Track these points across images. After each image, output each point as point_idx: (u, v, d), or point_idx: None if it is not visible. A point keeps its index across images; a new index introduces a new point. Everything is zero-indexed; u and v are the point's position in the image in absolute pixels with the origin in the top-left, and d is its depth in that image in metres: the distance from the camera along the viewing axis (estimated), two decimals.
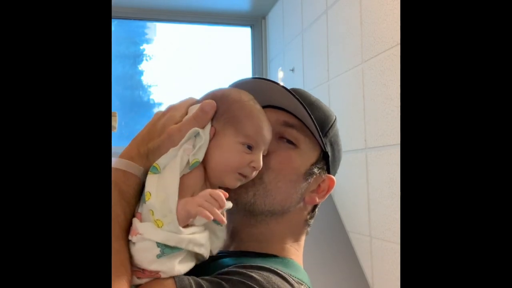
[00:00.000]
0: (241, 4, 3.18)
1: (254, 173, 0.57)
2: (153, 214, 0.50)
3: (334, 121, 0.68)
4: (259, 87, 0.60)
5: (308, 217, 0.67)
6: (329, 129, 0.66)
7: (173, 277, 0.51)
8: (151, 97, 3.34)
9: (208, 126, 0.55)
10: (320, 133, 0.62)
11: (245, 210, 0.62)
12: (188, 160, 0.52)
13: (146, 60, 3.33)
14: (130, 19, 3.21)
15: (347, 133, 2.02)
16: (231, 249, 0.65)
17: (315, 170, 0.64)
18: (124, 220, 0.51)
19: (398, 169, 1.56)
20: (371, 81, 1.81)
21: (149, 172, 0.52)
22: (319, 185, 0.65)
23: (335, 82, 2.17)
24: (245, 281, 0.50)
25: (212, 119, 0.55)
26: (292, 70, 2.75)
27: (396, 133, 1.61)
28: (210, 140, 0.55)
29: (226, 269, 0.53)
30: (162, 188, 0.50)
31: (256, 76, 0.64)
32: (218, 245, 0.58)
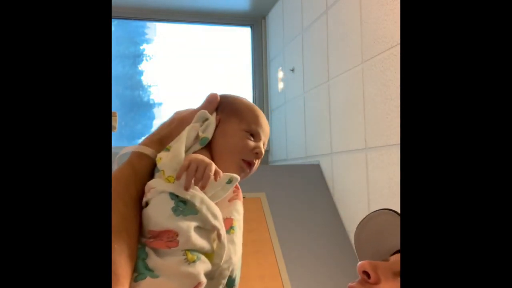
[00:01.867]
0: (241, 4, 3.18)
1: (257, 164, 0.60)
2: (164, 174, 0.54)
3: None
4: (384, 229, 0.61)
5: None
6: None
7: None
8: (151, 97, 3.33)
9: (214, 114, 0.61)
10: None
11: None
12: (198, 135, 0.58)
13: (146, 60, 3.33)
14: (130, 19, 3.21)
15: (347, 133, 2.02)
16: None
17: None
18: (134, 191, 0.56)
19: (398, 169, 1.56)
20: (371, 81, 1.81)
21: (160, 152, 0.58)
22: None
23: (335, 82, 2.17)
24: None
25: (216, 111, 0.62)
26: (292, 70, 2.75)
27: (396, 133, 1.61)
28: (216, 127, 0.60)
29: None
30: (170, 153, 0.56)
31: (389, 210, 0.62)
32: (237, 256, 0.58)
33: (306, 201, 2.12)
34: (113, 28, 3.11)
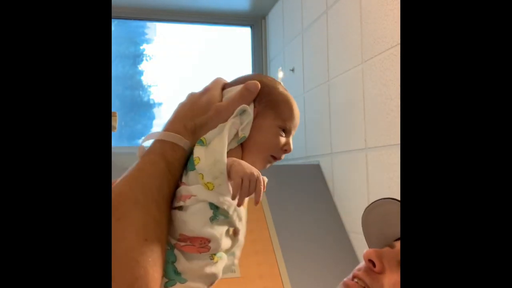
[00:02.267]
0: (241, 4, 3.18)
1: (283, 156, 0.59)
2: (202, 178, 0.51)
3: None
4: (389, 216, 0.62)
5: None
6: None
7: None
8: (151, 97, 3.33)
9: (252, 105, 0.57)
10: None
11: None
12: (237, 132, 0.55)
13: (146, 60, 3.33)
14: (130, 19, 3.21)
15: (347, 133, 2.02)
16: None
17: None
18: (167, 192, 0.52)
19: (398, 169, 1.56)
20: (371, 81, 1.81)
21: (196, 144, 0.54)
22: None
23: (335, 82, 2.17)
24: None
25: (253, 100, 0.58)
26: (292, 70, 2.75)
27: (396, 133, 1.61)
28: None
29: None
30: (210, 153, 0.52)
31: (393, 199, 0.63)
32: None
33: (306, 201, 2.12)
34: (113, 28, 3.11)
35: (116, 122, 1.80)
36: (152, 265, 0.47)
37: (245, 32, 3.38)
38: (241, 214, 0.55)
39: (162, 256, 0.50)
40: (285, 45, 2.91)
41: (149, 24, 3.34)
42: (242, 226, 0.56)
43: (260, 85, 0.58)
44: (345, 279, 0.62)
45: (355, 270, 0.62)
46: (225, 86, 0.61)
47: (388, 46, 1.69)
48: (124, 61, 3.29)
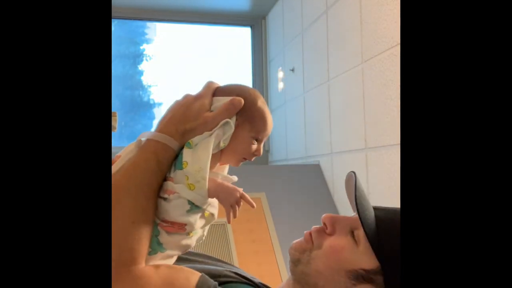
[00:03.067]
0: (241, 4, 3.18)
1: (253, 158, 0.72)
2: (187, 179, 0.63)
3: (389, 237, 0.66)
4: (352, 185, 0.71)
5: None
6: (385, 242, 0.64)
7: (201, 275, 0.61)
8: (151, 97, 3.34)
9: (234, 118, 0.69)
10: (377, 246, 0.63)
11: (290, 271, 0.70)
12: (219, 143, 0.67)
13: (146, 60, 3.33)
14: (130, 19, 3.22)
15: (347, 133, 2.02)
16: None
17: (364, 275, 0.64)
18: (156, 186, 0.63)
19: (398, 169, 1.56)
20: (371, 81, 1.81)
21: (185, 147, 0.66)
22: None
23: (335, 82, 2.17)
24: None
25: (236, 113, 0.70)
26: (292, 70, 2.75)
27: (396, 133, 1.62)
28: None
29: None
30: (196, 160, 0.64)
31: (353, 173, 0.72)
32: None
33: (306, 201, 2.12)
34: (113, 28, 3.11)
35: (116, 122, 1.80)
36: (137, 242, 0.59)
37: (245, 32, 3.38)
38: (215, 204, 0.68)
39: (147, 235, 0.61)
40: (285, 45, 2.91)
41: (149, 24, 3.34)
42: (215, 209, 0.68)
43: (245, 99, 0.69)
44: (306, 231, 0.72)
45: (312, 228, 0.72)
46: (217, 90, 0.71)
47: (388, 46, 1.69)
48: (124, 61, 3.29)
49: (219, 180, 0.68)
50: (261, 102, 0.72)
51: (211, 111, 0.68)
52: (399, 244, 0.56)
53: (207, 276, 0.61)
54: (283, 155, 2.91)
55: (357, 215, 0.67)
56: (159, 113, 3.29)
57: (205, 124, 0.66)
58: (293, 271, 0.69)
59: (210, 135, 0.66)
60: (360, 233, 0.66)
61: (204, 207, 0.65)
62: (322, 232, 0.70)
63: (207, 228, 0.71)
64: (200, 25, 3.34)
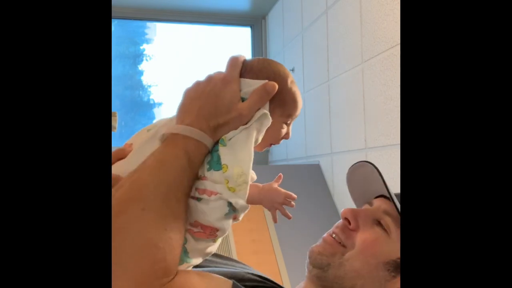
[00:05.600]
0: (241, 4, 3.18)
1: (280, 142, 0.66)
2: (227, 183, 0.56)
3: None
4: (370, 176, 0.68)
5: None
6: None
7: (232, 283, 0.55)
8: (151, 97, 3.34)
9: (267, 105, 0.61)
10: None
11: (316, 277, 0.65)
12: (257, 138, 0.61)
13: (146, 60, 3.33)
14: (130, 19, 3.22)
15: (347, 133, 2.02)
16: None
17: None
18: (187, 187, 0.56)
19: (398, 169, 1.55)
20: (371, 81, 1.81)
21: (220, 145, 0.58)
22: None
23: (335, 82, 2.17)
24: None
25: None
26: (292, 70, 2.75)
27: (396, 133, 1.61)
28: None
29: None
30: (237, 162, 0.57)
31: (365, 162, 0.69)
32: None
33: (306, 201, 2.12)
34: (113, 28, 3.11)
35: (116, 122, 1.80)
36: (170, 251, 0.52)
37: (245, 32, 3.38)
38: (247, 209, 0.61)
39: (180, 242, 0.54)
40: (285, 45, 2.91)
41: (149, 24, 3.34)
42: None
43: (276, 81, 0.61)
44: (324, 235, 0.68)
45: (333, 227, 0.68)
46: (243, 69, 0.62)
47: (388, 46, 1.69)
48: (124, 61, 3.29)
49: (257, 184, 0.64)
50: (291, 82, 0.64)
51: (242, 97, 0.60)
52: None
53: (238, 283, 0.56)
54: (283, 155, 2.91)
55: (376, 204, 0.66)
56: (159, 113, 3.29)
57: (240, 118, 0.58)
58: (321, 277, 0.64)
59: (247, 128, 0.59)
60: (388, 221, 0.64)
61: (241, 211, 0.58)
62: (346, 229, 0.66)
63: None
64: (200, 25, 3.34)
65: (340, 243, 0.65)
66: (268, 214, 2.10)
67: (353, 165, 0.72)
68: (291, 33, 2.80)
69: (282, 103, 0.63)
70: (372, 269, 0.62)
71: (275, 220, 0.65)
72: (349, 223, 0.65)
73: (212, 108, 0.58)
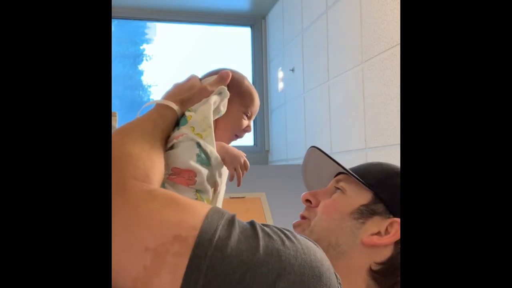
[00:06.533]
0: (241, 4, 3.18)
1: (243, 135, 0.74)
2: (193, 130, 0.64)
3: (393, 175, 0.70)
4: (320, 162, 0.75)
5: (373, 266, 0.63)
6: (385, 178, 0.68)
7: (209, 208, 0.51)
8: (151, 97, 3.34)
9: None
10: (361, 179, 0.67)
11: None
12: (219, 107, 0.68)
13: (146, 60, 3.33)
14: (130, 19, 3.22)
15: (347, 133, 2.02)
16: None
17: (366, 210, 0.66)
18: (161, 137, 0.63)
19: None
20: (371, 81, 1.81)
21: (186, 112, 0.67)
22: (386, 229, 0.64)
23: (335, 82, 2.17)
24: (284, 239, 0.48)
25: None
26: (292, 70, 2.75)
27: (396, 133, 1.62)
28: None
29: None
30: (200, 112, 0.66)
31: (314, 147, 0.75)
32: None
33: None
34: (113, 28, 3.11)
35: (116, 122, 1.80)
36: (151, 165, 0.56)
37: (245, 32, 3.38)
38: (222, 171, 0.68)
39: (159, 166, 0.59)
40: (285, 45, 2.91)
41: (149, 24, 3.34)
42: (221, 186, 0.68)
43: (233, 79, 0.72)
44: (293, 222, 0.72)
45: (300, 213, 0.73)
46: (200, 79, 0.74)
47: (388, 46, 1.69)
48: (124, 61, 3.29)
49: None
50: (247, 81, 0.75)
51: None
52: (379, 173, 0.68)
53: (218, 207, 0.53)
54: (283, 155, 2.91)
55: (331, 183, 0.72)
56: None
57: (201, 92, 0.68)
58: None
59: (208, 100, 0.67)
60: (342, 184, 0.69)
61: (212, 158, 0.64)
62: (309, 208, 0.71)
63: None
64: (200, 25, 3.34)
65: (306, 219, 0.70)
66: (268, 214, 2.10)
67: (303, 159, 0.78)
68: (291, 33, 2.80)
69: (240, 95, 0.72)
70: (340, 222, 0.66)
71: (231, 179, 0.69)
72: (310, 203, 0.71)
73: (177, 90, 0.70)
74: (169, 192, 0.53)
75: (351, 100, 1.98)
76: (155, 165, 0.57)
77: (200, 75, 0.74)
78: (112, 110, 1.64)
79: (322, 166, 0.75)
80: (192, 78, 0.73)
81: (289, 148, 2.82)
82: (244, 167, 0.69)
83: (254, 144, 3.20)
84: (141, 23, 3.32)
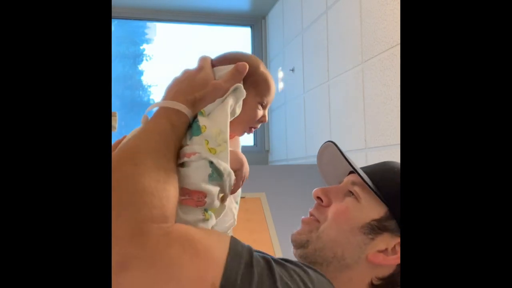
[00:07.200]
0: (241, 4, 3.18)
1: (258, 126, 0.70)
2: (207, 144, 0.59)
3: None
4: (335, 158, 0.72)
5: (374, 281, 0.63)
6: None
7: (231, 237, 0.54)
8: (151, 97, 3.34)
9: (241, 83, 0.65)
10: (377, 191, 0.64)
11: (300, 257, 0.67)
12: (234, 109, 0.63)
13: (146, 60, 3.33)
14: (130, 19, 3.21)
15: (347, 133, 2.02)
16: None
17: (377, 226, 0.65)
18: (173, 149, 0.58)
19: None
20: (371, 81, 1.81)
21: (199, 115, 0.62)
22: (394, 247, 0.63)
23: (335, 82, 2.17)
24: (299, 272, 0.52)
25: None
26: (292, 70, 2.75)
27: (396, 133, 1.62)
28: None
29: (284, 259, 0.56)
30: (215, 123, 0.60)
31: (330, 142, 0.73)
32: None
33: (306, 201, 2.12)
34: (113, 28, 3.11)
35: (116, 122, 1.80)
36: (167, 200, 0.53)
37: (245, 32, 3.38)
38: (232, 183, 0.63)
39: (175, 195, 0.55)
40: (285, 45, 2.91)
41: (149, 24, 3.34)
42: (231, 199, 0.64)
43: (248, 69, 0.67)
44: (303, 217, 0.71)
45: (310, 209, 0.72)
46: (213, 62, 0.68)
47: (388, 46, 1.69)
48: (124, 61, 3.29)
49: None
50: (262, 67, 0.70)
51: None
52: (397, 185, 0.62)
53: (236, 238, 0.56)
54: (283, 155, 2.91)
55: (346, 181, 0.69)
56: None
57: (215, 91, 0.62)
58: (303, 254, 0.67)
59: (223, 101, 0.62)
60: (357, 189, 0.67)
61: (225, 175, 0.60)
62: (320, 207, 0.69)
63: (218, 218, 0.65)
64: (200, 25, 3.33)
65: (316, 220, 0.69)
66: (268, 214, 2.10)
67: (319, 150, 0.76)
68: (291, 33, 2.80)
69: (255, 84, 0.67)
70: (348, 235, 0.64)
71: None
72: (322, 201, 0.69)
73: (188, 86, 0.63)
74: (185, 231, 0.53)
75: (351, 100, 1.98)
76: (171, 199, 0.54)
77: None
78: (112, 110, 1.64)
79: (338, 161, 0.72)
80: (204, 67, 0.66)
81: (289, 148, 2.82)
82: (245, 174, 0.67)
83: (254, 144, 3.20)
84: (141, 23, 3.32)
